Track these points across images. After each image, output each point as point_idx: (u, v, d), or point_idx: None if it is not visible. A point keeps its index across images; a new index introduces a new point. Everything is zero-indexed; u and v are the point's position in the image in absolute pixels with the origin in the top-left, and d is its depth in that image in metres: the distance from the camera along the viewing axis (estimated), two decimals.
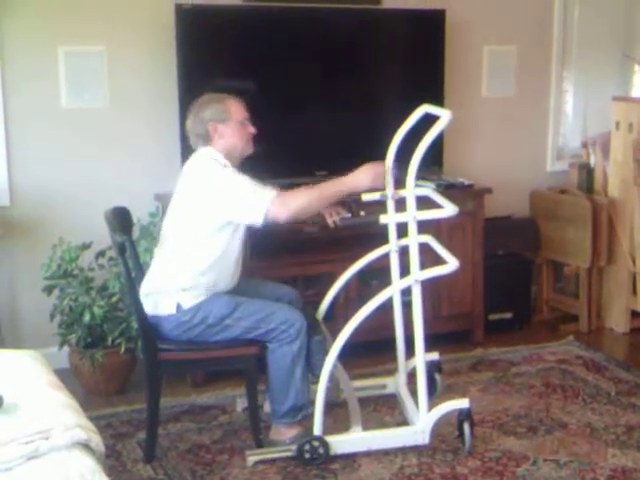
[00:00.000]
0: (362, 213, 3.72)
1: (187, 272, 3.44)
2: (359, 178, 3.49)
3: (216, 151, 3.49)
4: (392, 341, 3.97)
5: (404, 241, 3.64)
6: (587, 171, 5.27)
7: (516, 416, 3.92)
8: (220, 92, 3.64)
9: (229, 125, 3.50)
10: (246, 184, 3.39)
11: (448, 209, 3.51)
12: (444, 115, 3.43)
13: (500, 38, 5.31)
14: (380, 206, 3.77)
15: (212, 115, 3.49)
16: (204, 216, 3.42)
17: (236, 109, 3.54)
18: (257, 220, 3.38)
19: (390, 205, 3.74)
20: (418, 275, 3.49)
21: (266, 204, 3.34)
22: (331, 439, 3.50)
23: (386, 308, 3.84)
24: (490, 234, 4.91)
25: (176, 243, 3.49)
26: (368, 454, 3.54)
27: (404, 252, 3.55)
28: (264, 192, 3.37)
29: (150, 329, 3.48)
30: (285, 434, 3.58)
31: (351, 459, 3.51)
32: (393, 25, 4.84)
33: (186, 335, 3.46)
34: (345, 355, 3.54)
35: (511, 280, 5.08)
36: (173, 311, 3.42)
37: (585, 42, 5.57)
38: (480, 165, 5.28)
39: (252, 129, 3.57)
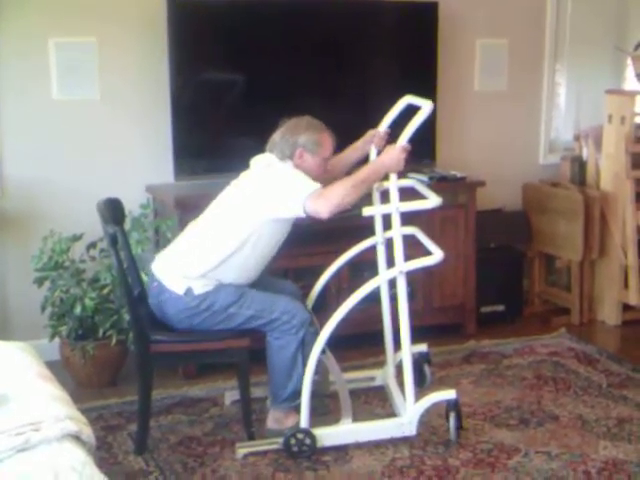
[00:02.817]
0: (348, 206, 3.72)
1: (210, 262, 3.44)
2: (384, 163, 3.49)
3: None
4: (381, 333, 3.98)
5: (390, 233, 3.64)
6: (579, 164, 5.27)
7: (508, 408, 3.93)
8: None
9: (315, 158, 3.52)
10: (299, 178, 3.41)
11: (432, 200, 3.52)
12: (425, 106, 3.44)
13: (493, 31, 5.30)
14: (366, 198, 3.77)
15: (305, 143, 3.50)
16: (248, 209, 3.44)
17: (328, 146, 3.56)
18: (297, 213, 3.39)
19: (375, 197, 3.75)
20: (402, 266, 3.49)
21: (305, 196, 3.35)
22: (318, 431, 3.50)
23: (375, 301, 3.85)
24: (482, 227, 4.91)
25: (211, 230, 3.49)
26: (360, 446, 3.54)
27: (392, 244, 3.54)
28: (306, 185, 3.38)
29: (142, 320, 3.48)
30: (284, 423, 3.59)
31: (343, 451, 3.51)
32: (385, 18, 4.83)
33: (189, 321, 3.47)
34: (334, 347, 3.55)
35: (503, 273, 5.09)
36: (181, 293, 3.43)
37: (578, 35, 5.57)
38: (473, 158, 5.27)
39: (328, 167, 3.60)
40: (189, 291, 3.44)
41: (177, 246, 3.58)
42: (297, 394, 3.53)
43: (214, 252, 3.45)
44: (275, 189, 3.43)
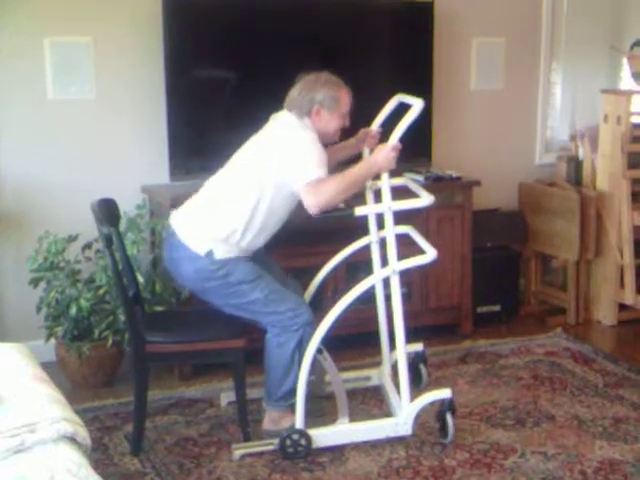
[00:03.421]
0: (341, 205, 3.72)
1: (234, 222, 3.44)
2: (376, 163, 3.50)
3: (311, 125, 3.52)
4: (377, 333, 3.97)
5: (384, 232, 3.63)
6: (575, 164, 5.27)
7: (504, 408, 3.92)
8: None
9: (332, 114, 3.52)
10: (311, 152, 3.40)
11: (424, 198, 3.52)
12: (416, 104, 3.44)
13: (489, 30, 5.30)
14: (360, 197, 3.77)
15: (322, 99, 3.50)
16: (262, 170, 3.43)
17: (345, 101, 3.55)
18: (296, 191, 3.39)
19: (369, 196, 3.75)
20: (396, 265, 3.49)
21: (305, 183, 3.36)
22: (313, 432, 3.49)
23: (371, 301, 3.85)
24: (478, 227, 4.91)
25: (231, 188, 3.49)
26: (356, 447, 3.54)
27: (386, 243, 3.54)
28: (311, 169, 3.37)
29: (137, 321, 3.47)
30: (281, 423, 3.59)
31: (339, 452, 3.51)
32: (381, 17, 4.82)
33: (201, 283, 3.48)
34: (331, 347, 3.55)
35: (499, 273, 5.09)
36: (202, 253, 3.43)
37: (573, 35, 5.57)
38: (469, 158, 5.27)
39: (347, 123, 3.59)
40: (210, 254, 3.43)
41: (198, 203, 3.56)
42: (292, 393, 3.53)
43: (237, 211, 3.44)
44: (286, 161, 3.40)
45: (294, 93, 3.55)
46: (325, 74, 3.57)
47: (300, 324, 3.49)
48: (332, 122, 3.54)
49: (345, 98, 3.55)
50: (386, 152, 3.46)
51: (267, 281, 3.52)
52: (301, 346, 3.50)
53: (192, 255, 3.45)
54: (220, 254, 3.45)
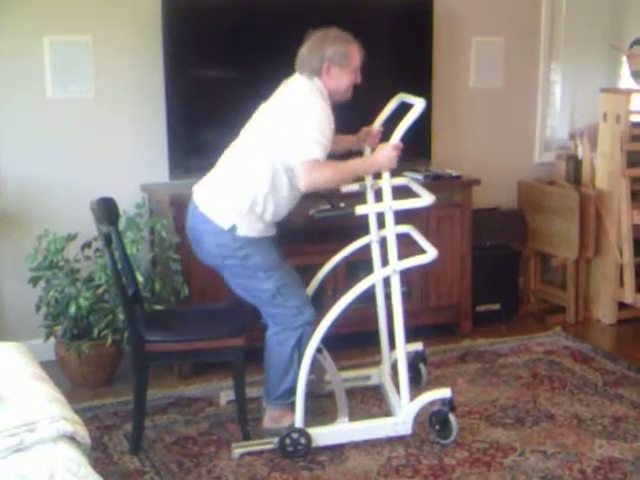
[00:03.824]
0: (342, 204, 3.72)
1: (249, 193, 3.42)
2: (377, 161, 3.49)
3: (322, 84, 3.49)
4: (377, 333, 3.98)
5: (384, 231, 3.63)
6: (575, 163, 5.27)
7: (503, 407, 3.93)
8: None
9: (343, 70, 3.50)
10: (313, 130, 3.35)
11: (425, 198, 3.52)
12: (418, 103, 3.44)
13: (488, 29, 5.30)
14: (360, 197, 3.78)
15: (332, 55, 3.47)
16: (278, 136, 3.41)
17: (355, 56, 3.53)
18: (294, 163, 3.37)
19: (369, 195, 3.75)
20: (396, 265, 3.49)
21: (303, 160, 3.34)
22: (313, 431, 3.49)
23: (371, 300, 3.85)
24: (478, 225, 4.91)
25: (248, 159, 3.47)
26: (356, 446, 3.54)
27: (387, 243, 3.54)
28: (312, 148, 3.34)
29: (137, 320, 3.47)
30: (281, 422, 3.58)
31: (339, 451, 3.51)
32: (381, 16, 4.82)
33: (221, 259, 3.47)
34: (331, 347, 3.55)
35: (499, 271, 5.09)
36: (225, 228, 3.42)
37: (573, 34, 5.57)
38: (468, 156, 5.27)
39: (359, 79, 3.56)
40: (233, 229, 3.42)
41: (218, 175, 3.55)
42: (291, 392, 3.54)
43: (255, 180, 3.42)
44: (291, 131, 3.38)
45: (303, 51, 3.52)
46: (334, 30, 3.54)
47: (301, 322, 3.49)
48: (343, 79, 3.50)
49: (355, 53, 3.52)
50: (387, 151, 3.45)
51: (282, 274, 3.51)
52: (300, 345, 3.51)
53: (216, 229, 3.43)
54: (243, 231, 3.43)
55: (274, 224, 3.57)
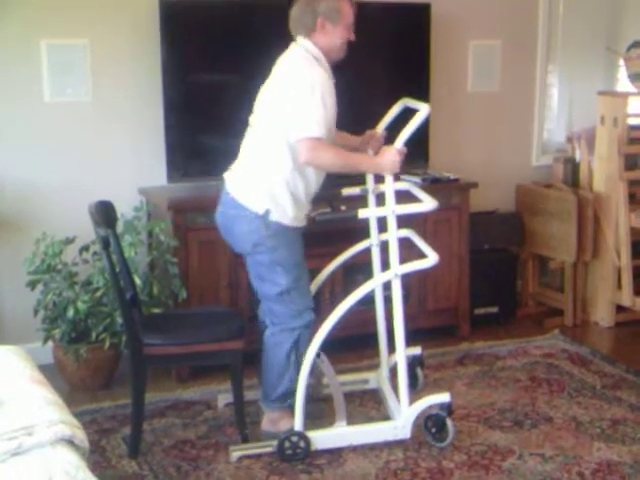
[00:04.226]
0: (342, 208, 3.72)
1: (277, 173, 3.41)
2: (380, 164, 3.49)
3: (315, 45, 3.47)
4: (376, 336, 3.98)
5: (385, 235, 3.64)
6: (572, 166, 5.27)
7: (502, 410, 3.93)
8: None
9: (337, 26, 3.47)
10: (317, 107, 3.33)
11: (427, 203, 3.52)
12: (423, 108, 3.44)
13: (485, 33, 5.31)
14: (361, 201, 3.78)
15: (325, 10, 3.44)
16: (284, 115, 3.39)
17: (348, 12, 3.50)
18: (294, 139, 3.35)
19: (371, 199, 3.75)
20: (398, 269, 3.49)
21: (304, 135, 3.32)
22: (312, 434, 3.49)
23: (369, 303, 3.85)
24: (476, 229, 4.91)
25: (262, 140, 3.47)
26: (354, 449, 3.54)
27: (387, 247, 3.55)
28: (314, 126, 3.32)
29: (135, 323, 3.47)
30: (279, 425, 3.58)
31: (337, 454, 3.51)
32: (378, 19, 4.82)
33: (250, 245, 3.46)
34: (329, 350, 3.54)
35: (497, 274, 5.09)
36: (260, 212, 3.41)
37: (570, 36, 5.58)
38: (466, 160, 5.28)
39: (353, 36, 3.54)
40: (267, 213, 3.41)
41: (243, 161, 3.54)
42: (288, 395, 3.54)
43: (279, 160, 3.41)
44: (291, 107, 3.35)
45: (295, 11, 3.50)
46: None
47: (298, 325, 3.50)
48: (337, 35, 3.47)
49: (347, 8, 3.49)
50: (392, 155, 3.44)
51: (298, 274, 3.52)
52: (297, 347, 3.51)
53: (250, 215, 3.42)
54: (276, 216, 3.41)
55: (307, 209, 3.54)
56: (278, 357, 3.53)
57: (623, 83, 5.56)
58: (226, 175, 3.57)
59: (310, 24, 3.46)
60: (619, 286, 5.06)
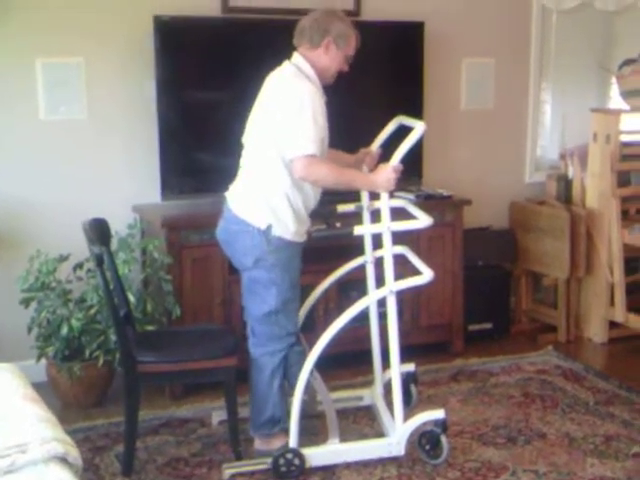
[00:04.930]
0: (338, 224, 3.73)
1: (276, 188, 3.42)
2: (375, 181, 3.49)
3: (309, 64, 3.49)
4: (370, 352, 3.98)
5: (380, 252, 3.65)
6: (565, 182, 5.30)
7: (495, 426, 3.93)
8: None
9: (339, 52, 3.50)
10: (309, 124, 3.34)
11: (422, 220, 3.53)
12: (418, 126, 3.46)
13: (479, 51, 5.34)
14: (356, 217, 3.79)
15: (335, 33, 3.47)
16: (277, 131, 3.40)
17: (353, 44, 3.55)
18: (289, 156, 3.36)
19: (366, 216, 3.76)
20: (393, 286, 3.50)
21: (300, 155, 3.33)
22: (307, 451, 3.49)
23: (363, 320, 3.85)
24: (469, 245, 4.93)
25: (258, 157, 3.47)
26: (348, 466, 3.53)
27: (381, 263, 3.56)
28: (309, 144, 3.33)
29: (128, 341, 3.47)
30: (272, 444, 3.58)
31: (330, 471, 3.50)
32: (372, 37, 4.81)
33: (252, 260, 3.45)
34: (323, 366, 3.54)
35: (490, 291, 5.11)
36: (262, 227, 3.42)
37: (563, 54, 5.62)
38: (459, 177, 5.30)
39: (347, 68, 3.58)
40: (269, 228, 3.42)
41: (244, 179, 3.53)
42: (274, 422, 3.55)
43: (276, 175, 3.42)
44: (283, 124, 3.37)
45: (306, 23, 3.52)
46: (340, 11, 3.59)
47: (278, 349, 3.52)
48: (336, 60, 3.50)
49: (354, 41, 3.54)
50: (387, 173, 3.45)
51: (289, 297, 3.52)
52: (279, 373, 3.52)
53: (252, 230, 3.43)
54: (278, 231, 3.42)
55: (308, 224, 3.55)
56: (261, 382, 3.54)
57: (615, 100, 5.60)
58: (227, 193, 3.58)
59: (316, 40, 3.48)
60: (612, 302, 5.07)
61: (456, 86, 5.32)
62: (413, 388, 4.11)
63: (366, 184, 3.59)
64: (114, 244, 3.89)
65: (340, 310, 3.60)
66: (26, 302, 4.10)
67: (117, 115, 4.50)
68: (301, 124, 3.33)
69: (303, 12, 3.62)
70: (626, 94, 5.21)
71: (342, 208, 3.85)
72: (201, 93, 4.54)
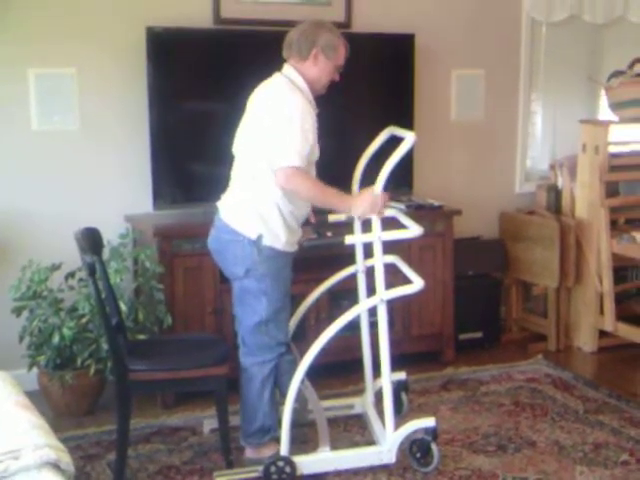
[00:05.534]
0: (329, 234, 3.75)
1: (266, 198, 3.44)
2: (356, 206, 3.50)
3: (299, 74, 3.50)
4: (361, 361, 4.00)
5: (371, 261, 3.67)
6: (555, 193, 5.33)
7: (485, 435, 3.95)
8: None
9: (328, 62, 3.52)
10: (296, 136, 3.35)
11: (413, 230, 3.55)
12: (409, 137, 3.49)
13: (468, 62, 5.38)
14: (347, 227, 3.81)
15: (323, 43, 3.49)
16: (267, 140, 3.42)
17: (342, 54, 3.56)
18: (274, 165, 3.38)
19: (357, 226, 3.79)
20: (383, 294, 3.52)
21: (285, 164, 3.35)
22: (298, 459, 3.50)
23: (354, 329, 3.87)
24: (460, 255, 4.95)
25: (249, 167, 3.48)
26: (339, 474, 3.55)
27: (372, 273, 3.58)
28: (294, 156, 3.35)
29: (120, 350, 3.48)
30: (262, 452, 3.59)
31: (321, 479, 3.51)
32: (363, 49, 4.87)
33: (243, 270, 3.46)
34: (314, 375, 3.56)
35: (481, 300, 5.13)
36: (253, 237, 3.43)
37: (552, 66, 5.66)
38: (450, 187, 5.33)
39: (337, 77, 3.59)
40: (259, 238, 3.43)
41: (235, 189, 3.55)
42: (264, 432, 3.57)
43: (267, 188, 3.43)
44: (271, 134, 3.38)
45: (293, 36, 3.54)
46: (328, 22, 3.60)
47: (268, 359, 3.53)
48: (325, 70, 3.52)
49: (343, 50, 3.56)
50: (369, 200, 3.46)
51: (280, 307, 3.53)
52: (269, 383, 3.54)
53: (243, 240, 3.44)
54: (269, 241, 3.43)
55: (298, 234, 3.56)
56: (251, 392, 3.55)
57: (604, 112, 5.64)
58: (219, 203, 3.60)
59: (304, 52, 3.50)
60: (601, 311, 5.10)
61: (446, 97, 5.35)
62: (404, 396, 4.13)
63: (343, 207, 3.56)
64: (106, 253, 3.91)
65: (331, 319, 3.61)
66: (18, 311, 4.11)
67: (109, 125, 4.52)
68: (288, 135, 3.35)
69: (294, 24, 3.64)
70: (615, 106, 5.25)
71: (333, 217, 3.88)
72: (193, 104, 4.57)
